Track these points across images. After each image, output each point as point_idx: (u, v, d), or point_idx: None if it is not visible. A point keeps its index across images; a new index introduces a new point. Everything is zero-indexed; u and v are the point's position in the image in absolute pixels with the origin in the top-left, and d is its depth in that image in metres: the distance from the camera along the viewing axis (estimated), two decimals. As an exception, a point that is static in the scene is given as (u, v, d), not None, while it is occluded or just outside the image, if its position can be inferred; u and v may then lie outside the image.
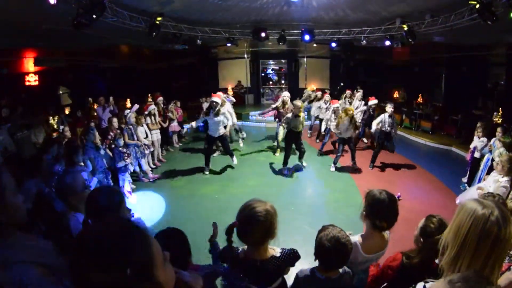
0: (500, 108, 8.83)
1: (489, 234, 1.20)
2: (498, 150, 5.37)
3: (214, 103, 6.98)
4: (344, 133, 7.25)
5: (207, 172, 7.42)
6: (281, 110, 8.41)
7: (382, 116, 7.35)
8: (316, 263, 2.05)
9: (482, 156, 6.05)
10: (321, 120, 9.72)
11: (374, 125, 7.49)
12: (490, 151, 5.74)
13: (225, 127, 7.34)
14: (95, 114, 9.06)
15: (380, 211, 2.16)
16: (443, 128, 10.89)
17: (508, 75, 10.17)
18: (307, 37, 10.32)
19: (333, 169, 7.54)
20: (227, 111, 7.50)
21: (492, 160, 5.40)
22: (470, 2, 5.77)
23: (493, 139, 5.95)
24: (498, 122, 8.25)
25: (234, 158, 7.66)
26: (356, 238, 2.27)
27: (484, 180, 5.16)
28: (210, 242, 2.30)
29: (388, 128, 7.29)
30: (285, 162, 7.32)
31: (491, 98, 10.19)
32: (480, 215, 1.23)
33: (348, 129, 7.20)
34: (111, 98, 9.28)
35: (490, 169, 5.33)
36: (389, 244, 2.36)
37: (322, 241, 1.92)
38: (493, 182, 4.38)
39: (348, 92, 10.03)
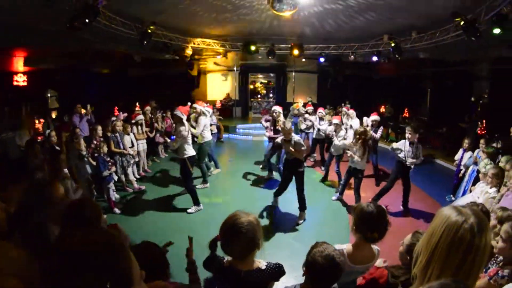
0: (484, 121, 9.07)
1: (461, 242, 1.16)
2: (483, 161, 5.48)
3: (175, 117, 6.03)
4: (351, 162, 5.90)
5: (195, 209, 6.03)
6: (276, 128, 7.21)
7: (401, 143, 5.88)
8: (300, 279, 2.00)
9: (467, 167, 6.16)
10: (317, 140, 8.79)
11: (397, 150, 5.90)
12: (475, 163, 5.85)
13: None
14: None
15: (370, 223, 2.16)
16: (428, 141, 11.10)
17: (491, 89, 10.57)
18: (296, 52, 10.47)
19: (334, 197, 6.61)
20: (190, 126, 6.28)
21: (478, 171, 5.50)
22: (455, 20, 5.98)
23: (476, 151, 6.10)
24: (481, 134, 8.44)
25: (193, 208, 5.99)
26: (344, 247, 2.25)
27: (470, 191, 5.24)
28: (187, 258, 2.22)
29: (409, 161, 5.68)
30: (276, 193, 6.04)
31: (475, 111, 10.50)
32: (452, 222, 1.19)
33: (359, 158, 5.69)
34: (88, 107, 9.04)
35: (476, 180, 5.43)
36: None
37: (316, 257, 1.84)
38: (481, 194, 4.43)
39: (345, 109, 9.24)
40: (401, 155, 5.76)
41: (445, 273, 1.16)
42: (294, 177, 5.60)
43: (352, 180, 6.16)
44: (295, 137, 5.41)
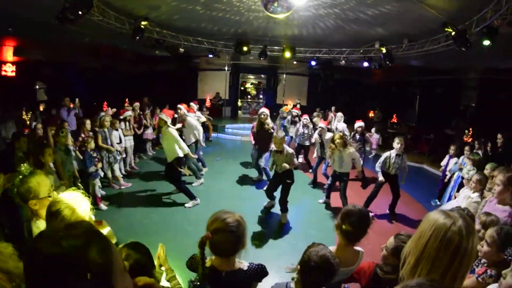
0: (470, 128, 9.33)
1: (449, 244, 1.18)
2: (467, 167, 5.63)
3: (160, 121, 6.06)
4: (337, 167, 5.88)
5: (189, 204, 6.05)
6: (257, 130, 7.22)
7: (386, 154, 5.80)
8: (286, 279, 2.04)
9: (452, 173, 6.32)
10: (301, 146, 8.62)
11: (378, 169, 5.84)
12: (460, 169, 6.00)
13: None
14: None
15: (349, 218, 2.23)
16: (416, 146, 11.32)
17: (479, 98, 10.89)
18: (288, 54, 10.51)
19: (321, 200, 6.52)
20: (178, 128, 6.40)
21: (462, 177, 5.65)
22: (446, 30, 6.11)
23: (461, 157, 6.27)
24: (468, 141, 8.66)
25: (190, 202, 6.03)
26: None
27: (455, 197, 5.36)
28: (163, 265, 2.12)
29: (393, 172, 5.68)
30: (268, 194, 5.92)
31: (463, 119, 10.79)
32: (441, 224, 1.22)
33: (344, 163, 5.77)
34: (76, 100, 8.86)
35: (460, 186, 5.56)
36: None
37: (311, 256, 1.89)
38: (464, 198, 4.53)
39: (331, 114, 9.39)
40: (384, 167, 5.74)
41: (433, 274, 1.17)
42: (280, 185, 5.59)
43: (337, 184, 6.19)
44: (289, 150, 5.30)
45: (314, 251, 1.91)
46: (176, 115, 7.48)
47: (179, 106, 7.22)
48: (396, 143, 5.66)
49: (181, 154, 5.95)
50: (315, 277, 1.88)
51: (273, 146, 5.53)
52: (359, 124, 7.76)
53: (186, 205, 6.03)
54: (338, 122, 8.89)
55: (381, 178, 5.71)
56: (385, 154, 5.82)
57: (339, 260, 2.17)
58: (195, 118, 7.79)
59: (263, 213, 6.02)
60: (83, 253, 0.75)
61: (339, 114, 9.15)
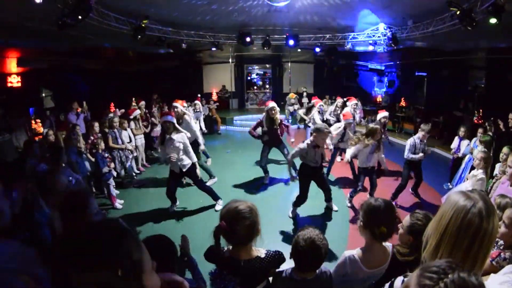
0: (480, 110, 9.15)
1: (469, 225, 1.18)
2: (478, 149, 5.56)
3: (168, 124, 5.28)
4: (367, 162, 5.45)
5: (173, 208, 5.78)
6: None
7: (411, 140, 5.73)
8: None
9: (464, 155, 6.24)
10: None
11: (409, 156, 5.70)
12: (471, 153, 5.92)
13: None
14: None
15: (378, 218, 2.02)
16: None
17: (487, 78, 10.64)
18: (291, 42, 10.43)
19: (349, 204, 5.84)
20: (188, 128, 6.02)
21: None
22: (451, 9, 5.95)
23: (473, 139, 6.19)
24: (478, 122, 8.52)
25: (219, 202, 5.72)
26: (354, 252, 2.13)
27: (467, 179, 5.31)
28: (184, 255, 2.18)
29: (422, 155, 5.60)
30: (296, 203, 5.35)
31: (471, 100, 10.59)
32: (461, 206, 1.22)
33: (373, 156, 5.41)
34: (84, 104, 8.97)
35: (472, 168, 5.50)
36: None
37: (298, 240, 1.94)
38: (471, 177, 4.52)
39: (339, 100, 8.55)
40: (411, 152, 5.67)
41: (454, 256, 1.17)
42: (315, 180, 5.25)
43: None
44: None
45: (301, 235, 1.95)
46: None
47: (174, 104, 6.71)
48: (422, 129, 5.67)
49: (186, 163, 5.49)
50: (305, 260, 1.93)
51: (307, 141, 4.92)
52: (383, 114, 7.10)
53: (216, 208, 5.61)
54: (338, 108, 8.23)
55: (420, 155, 5.60)
56: (409, 141, 5.73)
57: (370, 262, 2.07)
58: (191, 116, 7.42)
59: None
60: (115, 248, 0.77)
61: (339, 100, 8.52)
